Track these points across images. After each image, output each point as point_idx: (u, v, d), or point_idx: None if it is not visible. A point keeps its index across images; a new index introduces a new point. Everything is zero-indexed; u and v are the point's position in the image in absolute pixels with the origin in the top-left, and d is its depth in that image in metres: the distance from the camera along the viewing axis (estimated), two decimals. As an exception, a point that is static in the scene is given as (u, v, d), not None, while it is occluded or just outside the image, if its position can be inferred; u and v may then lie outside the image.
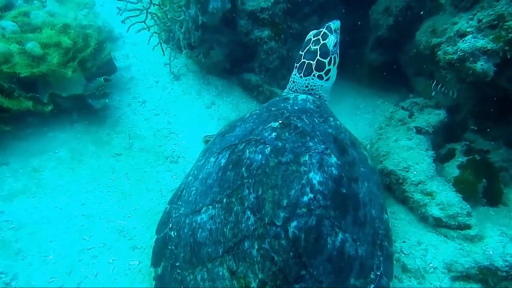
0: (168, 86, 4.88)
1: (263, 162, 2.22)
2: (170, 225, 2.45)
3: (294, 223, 2.04)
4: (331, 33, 2.95)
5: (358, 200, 2.33)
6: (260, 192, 2.12)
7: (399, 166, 3.15)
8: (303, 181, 2.15)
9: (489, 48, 2.69)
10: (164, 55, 4.02)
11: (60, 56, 3.65)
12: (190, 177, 2.62)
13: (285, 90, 3.17)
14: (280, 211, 2.05)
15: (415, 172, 3.08)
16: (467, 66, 2.81)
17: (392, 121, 3.75)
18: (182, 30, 3.70)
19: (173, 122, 4.32)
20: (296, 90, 2.99)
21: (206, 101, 4.67)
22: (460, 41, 2.88)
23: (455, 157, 3.44)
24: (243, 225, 2.07)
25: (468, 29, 2.84)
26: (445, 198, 2.90)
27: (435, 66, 3.79)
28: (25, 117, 3.52)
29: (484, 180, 3.14)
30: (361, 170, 2.50)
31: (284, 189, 2.11)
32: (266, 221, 2.04)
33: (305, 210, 2.08)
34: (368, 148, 3.98)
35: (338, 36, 3.06)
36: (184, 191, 2.57)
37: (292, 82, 3.05)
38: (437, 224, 2.92)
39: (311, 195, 2.12)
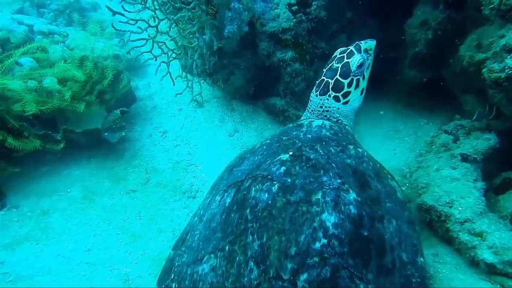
0: (191, 114, 4.91)
1: (269, 202, 2.06)
2: (172, 275, 2.33)
3: (304, 276, 1.84)
4: (359, 52, 2.77)
5: (383, 243, 2.08)
6: (264, 238, 1.95)
7: (441, 200, 2.84)
8: (315, 224, 1.96)
9: (544, 63, 2.41)
10: (174, 85, 4.04)
11: (77, 89, 3.78)
12: (196, 218, 2.51)
13: (305, 111, 3.03)
14: (287, 262, 1.87)
15: (460, 208, 2.76)
16: (518, 85, 2.53)
17: (434, 146, 3.45)
18: (195, 57, 3.70)
19: (193, 153, 4.29)
20: (312, 111, 2.84)
21: (229, 128, 4.62)
22: (508, 57, 2.61)
23: (512, 188, 3.07)
24: (245, 279, 1.91)
25: (518, 43, 2.57)
26: (498, 240, 2.55)
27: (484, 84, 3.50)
28: (42, 154, 3.64)
29: (550, 215, 2.77)
30: (388, 206, 2.25)
31: (293, 234, 1.93)
32: (271, 274, 1.86)
33: (317, 260, 1.88)
34: (408, 177, 3.69)
35: (370, 58, 2.87)
36: (189, 234, 2.46)
37: (310, 100, 2.92)
38: (491, 271, 2.57)
39: (324, 241, 1.92)
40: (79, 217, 3.20)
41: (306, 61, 4.22)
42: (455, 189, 2.90)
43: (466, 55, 3.30)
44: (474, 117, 3.28)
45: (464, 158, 3.12)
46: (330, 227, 1.96)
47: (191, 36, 3.66)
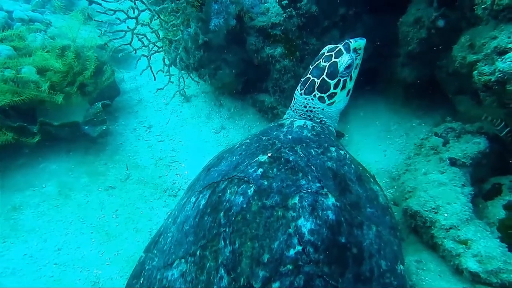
0: (178, 108, 4.85)
1: (244, 206, 2.00)
2: (142, 279, 2.27)
3: (276, 285, 1.79)
4: (348, 51, 2.69)
5: (361, 250, 2.03)
6: (237, 244, 1.89)
7: (426, 206, 2.80)
8: (290, 230, 1.91)
9: (537, 67, 2.35)
10: (155, 79, 3.96)
11: (57, 80, 3.70)
12: (170, 219, 2.45)
13: (288, 109, 2.97)
14: (259, 270, 1.81)
15: (445, 214, 2.72)
16: (508, 89, 2.47)
17: (423, 149, 3.40)
18: (179, 51, 3.61)
19: (177, 149, 4.22)
20: (296, 109, 2.78)
21: (216, 125, 4.55)
22: (499, 59, 2.55)
23: (501, 194, 3.03)
24: (215, 287, 1.85)
25: (510, 45, 2.51)
26: (483, 248, 2.52)
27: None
28: (18, 147, 3.55)
29: (539, 224, 2.73)
30: (368, 212, 2.20)
31: (266, 240, 1.88)
32: (241, 283, 1.80)
33: (290, 267, 1.82)
34: (396, 179, 3.65)
35: (359, 58, 2.79)
36: (162, 236, 2.39)
37: (294, 98, 2.85)
38: (475, 280, 2.53)
39: (299, 248, 1.87)
40: (52, 214, 3.12)
41: (296, 57, 4.14)
42: (441, 194, 2.85)
43: (458, 56, 3.24)
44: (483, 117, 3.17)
45: (453, 162, 3.08)
46: (306, 233, 1.91)
47: (175, 28, 3.56)
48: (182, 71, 4.01)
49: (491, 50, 2.61)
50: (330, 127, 2.75)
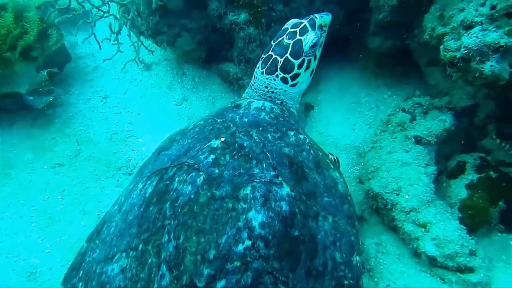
0: (137, 77, 4.59)
1: (192, 196, 1.88)
2: (81, 273, 2.14)
3: (221, 284, 1.70)
4: (313, 28, 2.50)
5: (315, 243, 1.97)
6: (181, 239, 1.78)
7: (388, 188, 2.77)
8: (240, 223, 1.80)
9: (503, 43, 2.24)
10: (100, 49, 3.67)
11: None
12: (116, 206, 2.30)
13: (247, 88, 2.81)
14: (203, 267, 1.71)
15: (407, 196, 2.70)
16: (473, 67, 2.37)
17: (390, 126, 3.34)
18: (129, 17, 3.33)
19: (135, 122, 4.01)
20: (256, 89, 2.63)
21: (177, 96, 4.34)
22: (465, 34, 2.42)
23: (465, 173, 3.02)
24: (155, 286, 1.74)
25: (477, 19, 2.38)
26: (442, 232, 2.53)
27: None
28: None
29: (501, 203, 2.75)
30: (325, 201, 2.12)
31: (213, 235, 1.77)
32: (184, 282, 1.70)
33: (238, 264, 1.73)
34: (363, 156, 3.59)
35: (324, 35, 2.62)
36: (106, 225, 2.25)
37: (254, 76, 2.69)
38: (432, 264, 2.55)
39: (248, 243, 1.77)
40: (-13, 195, 2.92)
41: (262, 25, 3.91)
42: (404, 174, 2.83)
43: (428, 27, 3.11)
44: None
45: (418, 141, 3.04)
46: (257, 226, 1.81)
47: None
48: (135, 39, 3.72)
49: (457, 24, 2.48)
50: (291, 109, 2.61)
